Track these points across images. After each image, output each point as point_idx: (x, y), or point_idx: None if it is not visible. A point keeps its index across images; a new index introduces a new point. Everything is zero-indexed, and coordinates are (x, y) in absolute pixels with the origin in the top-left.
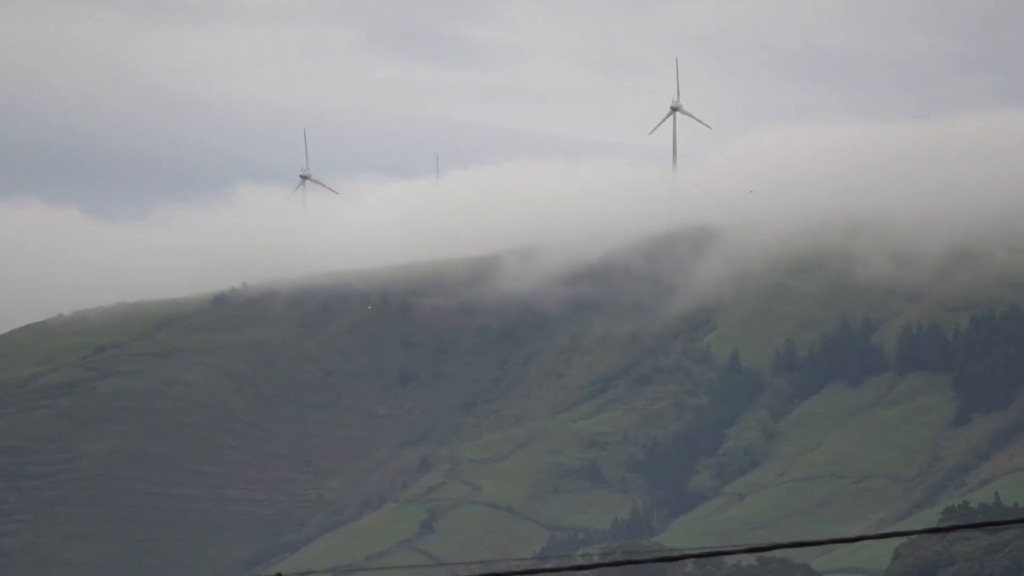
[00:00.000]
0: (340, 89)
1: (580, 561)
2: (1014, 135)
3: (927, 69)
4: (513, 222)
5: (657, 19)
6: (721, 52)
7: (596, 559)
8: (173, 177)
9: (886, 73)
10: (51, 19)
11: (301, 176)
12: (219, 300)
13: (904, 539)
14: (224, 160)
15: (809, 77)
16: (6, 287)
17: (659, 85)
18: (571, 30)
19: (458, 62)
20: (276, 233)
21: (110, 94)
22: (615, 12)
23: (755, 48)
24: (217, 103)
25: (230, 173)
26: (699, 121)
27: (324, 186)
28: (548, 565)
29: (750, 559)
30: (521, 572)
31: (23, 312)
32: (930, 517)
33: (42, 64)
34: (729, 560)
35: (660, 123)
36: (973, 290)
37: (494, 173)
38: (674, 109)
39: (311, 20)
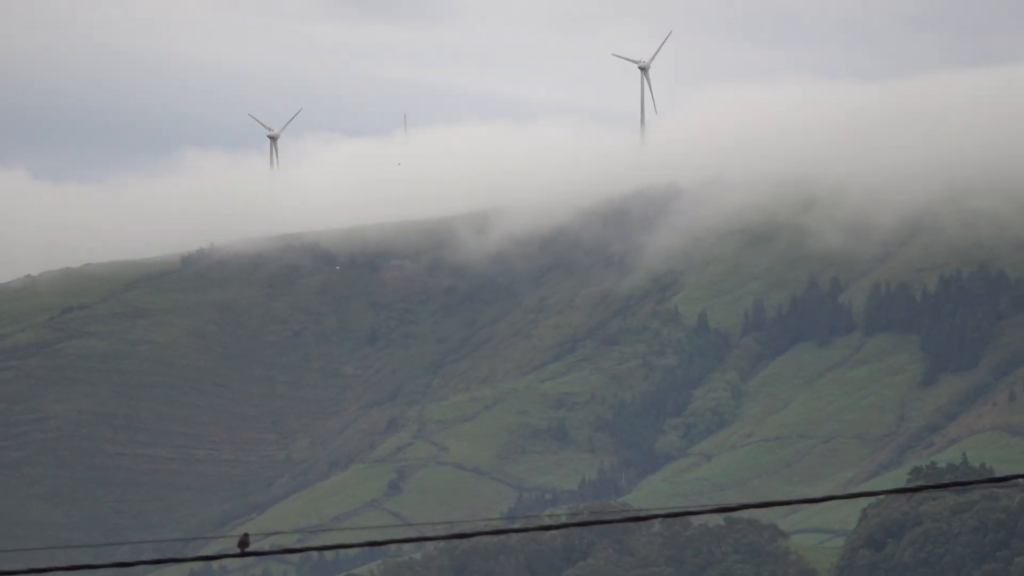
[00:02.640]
0: (295, 50)
1: (548, 522)
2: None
3: (877, 29)
4: (481, 184)
5: None
6: (679, 11)
7: (564, 519)
8: (124, 139)
9: (836, 33)
10: None
11: (269, 136)
12: (187, 261)
13: (871, 499)
14: (175, 123)
15: (759, 35)
16: None
17: (622, 44)
18: None
19: (417, 23)
20: (244, 194)
21: (57, 54)
22: None
23: (712, 7)
24: (171, 64)
25: (181, 136)
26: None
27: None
28: (516, 526)
29: (717, 519)
30: (489, 532)
31: (29, 262)
32: (897, 477)
33: (20, 31)
34: (696, 520)
35: (624, 58)
36: (942, 251)
37: (463, 133)
38: (642, 69)
39: None
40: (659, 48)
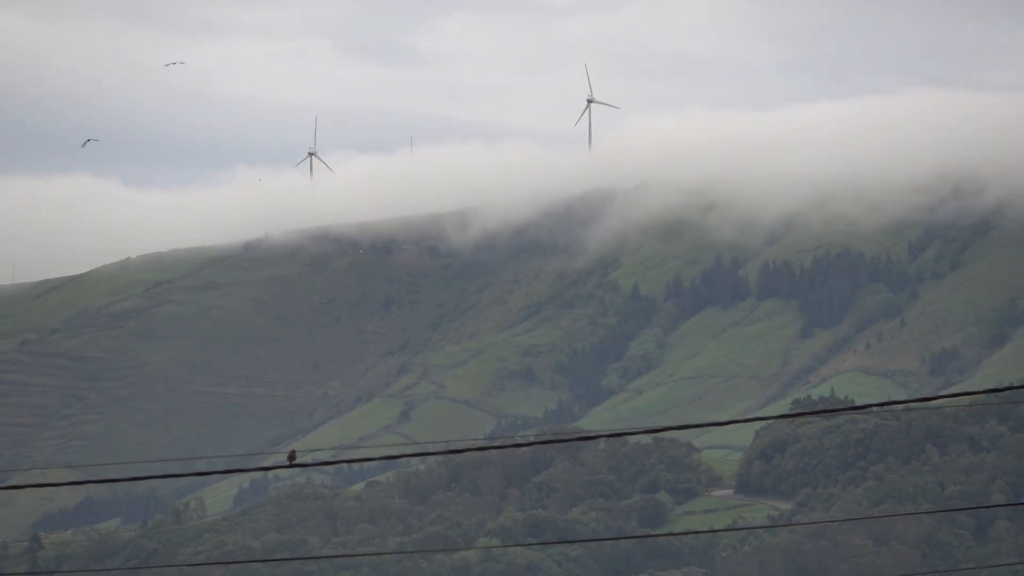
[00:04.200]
0: (323, 86)
1: (520, 440)
2: (834, 122)
3: (762, 69)
4: (465, 189)
5: (563, 30)
6: (610, 56)
7: (531, 439)
8: (189, 158)
9: (732, 73)
10: (104, 34)
11: (309, 153)
12: (247, 247)
13: (763, 423)
14: (229, 144)
15: (674, 74)
16: (87, 239)
17: (569, 81)
18: (496, 40)
19: (416, 68)
20: (290, 197)
21: (148, 93)
22: (529, 23)
23: (635, 52)
24: (224, 100)
25: (233, 155)
26: (609, 105)
27: (323, 161)
28: (496, 444)
29: (647, 439)
30: (475, 449)
31: (101, 256)
32: (782, 407)
33: (112, 75)
34: (631, 440)
35: (582, 115)
36: (812, 238)
37: (450, 151)
38: (589, 101)
39: (296, 33)
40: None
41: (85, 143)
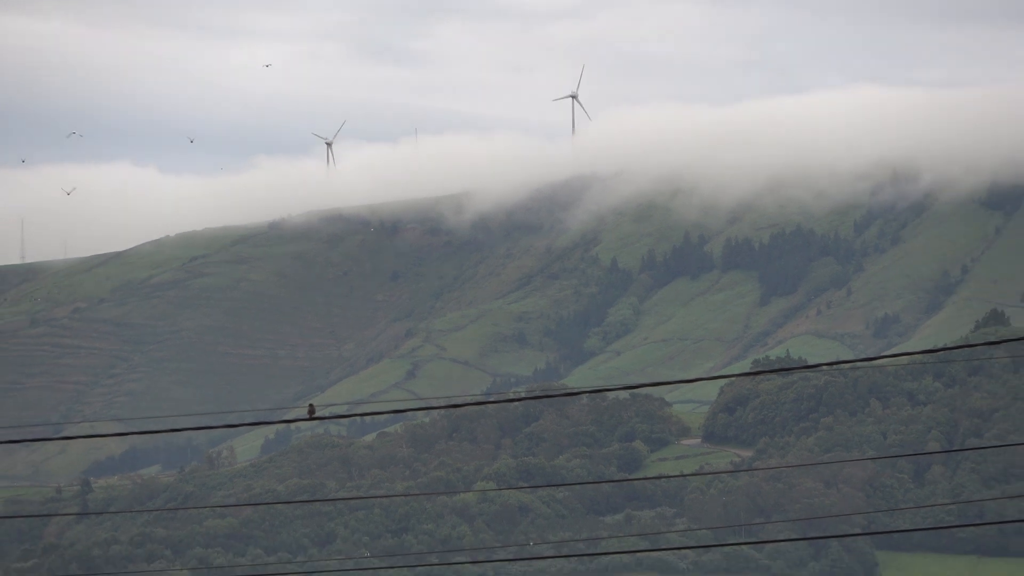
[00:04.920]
0: (336, 84)
1: (512, 396)
2: (785, 116)
3: (721, 68)
4: (462, 174)
5: (546, 34)
6: (584, 57)
7: (523, 395)
8: (217, 147)
9: (694, 71)
10: (143, 39)
11: (326, 143)
12: (272, 226)
13: (726, 380)
14: (251, 136)
15: (643, 74)
16: (130, 219)
17: (552, 79)
18: (487, 43)
19: (418, 67)
20: (309, 182)
21: (181, 91)
22: (515, 29)
23: (609, 54)
24: (248, 96)
25: (256, 147)
26: (585, 111)
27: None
28: (491, 399)
29: (625, 395)
30: (473, 403)
31: (142, 234)
32: (743, 366)
33: (150, 75)
34: (611, 395)
35: (561, 98)
36: (769, 219)
37: (448, 140)
38: (572, 96)
39: (311, 38)
40: (580, 79)
41: (70, 135)
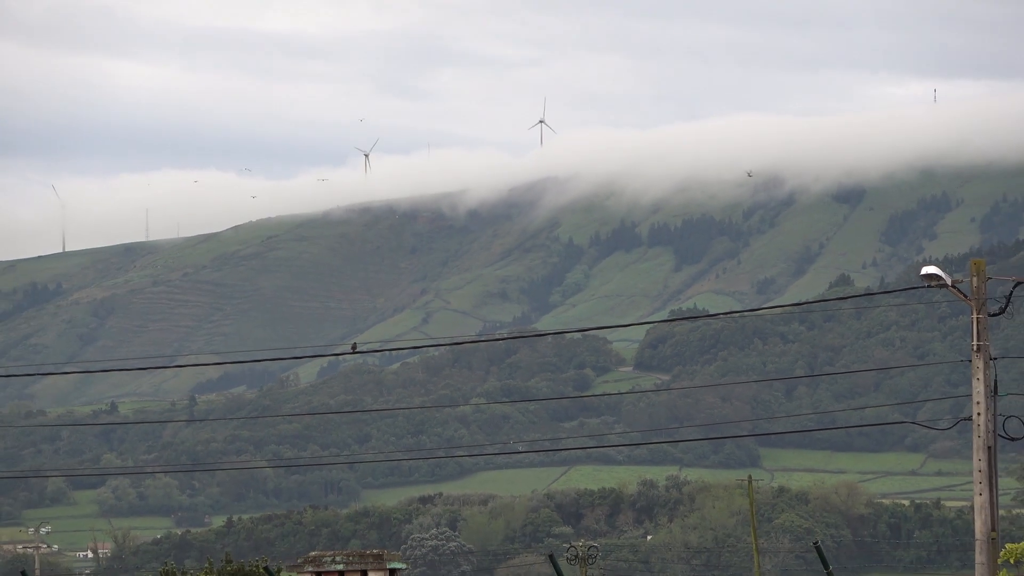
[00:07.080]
0: (359, 110)
1: (497, 336)
2: (688, 137)
3: (642, 99)
4: (460, 177)
5: (515, 77)
6: (545, 92)
7: (505, 335)
8: (269, 161)
9: (623, 102)
10: (221, 77)
11: (364, 155)
12: (325, 215)
13: (651, 324)
14: (298, 148)
15: (586, 105)
16: (221, 210)
17: (522, 110)
18: (473, 83)
19: (419, 100)
20: (350, 184)
21: (250, 117)
22: (494, 73)
23: (562, 90)
24: (298, 121)
25: (313, 157)
26: (552, 130)
27: (367, 160)
28: (483, 338)
29: (578, 336)
30: (469, 341)
31: (231, 220)
32: (663, 315)
33: (225, 104)
34: (568, 336)
35: (534, 125)
36: (682, 209)
37: (445, 154)
38: (541, 122)
39: (347, 80)
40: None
41: (242, 170)
